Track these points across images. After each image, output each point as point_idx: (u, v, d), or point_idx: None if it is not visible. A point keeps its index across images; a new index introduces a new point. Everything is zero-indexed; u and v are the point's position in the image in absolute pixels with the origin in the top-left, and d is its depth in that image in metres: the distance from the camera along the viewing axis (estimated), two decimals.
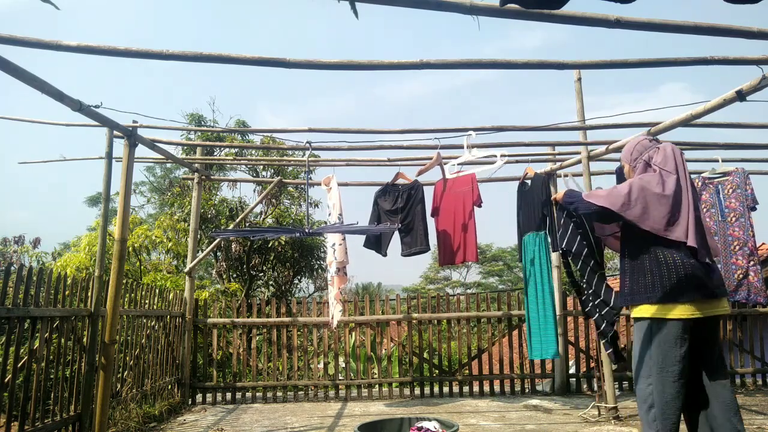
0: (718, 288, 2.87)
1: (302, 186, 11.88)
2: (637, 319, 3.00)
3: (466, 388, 6.58)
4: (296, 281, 13.36)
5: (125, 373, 4.94)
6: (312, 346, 6.99)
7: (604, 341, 4.24)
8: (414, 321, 6.68)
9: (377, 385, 6.62)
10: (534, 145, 5.59)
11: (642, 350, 2.96)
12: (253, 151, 12.18)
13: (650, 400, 2.86)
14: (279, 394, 6.47)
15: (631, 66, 3.06)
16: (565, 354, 6.34)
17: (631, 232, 3.02)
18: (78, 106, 3.56)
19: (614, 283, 13.52)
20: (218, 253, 12.11)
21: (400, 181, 5.98)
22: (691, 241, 2.83)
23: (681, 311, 2.81)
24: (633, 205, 2.90)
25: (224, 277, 12.23)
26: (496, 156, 5.33)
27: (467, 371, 6.77)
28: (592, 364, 6.44)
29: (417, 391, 6.55)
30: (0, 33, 2.80)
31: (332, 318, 5.71)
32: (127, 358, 5.00)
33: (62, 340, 4.06)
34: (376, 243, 5.80)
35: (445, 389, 6.59)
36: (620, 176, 5.33)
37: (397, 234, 5.78)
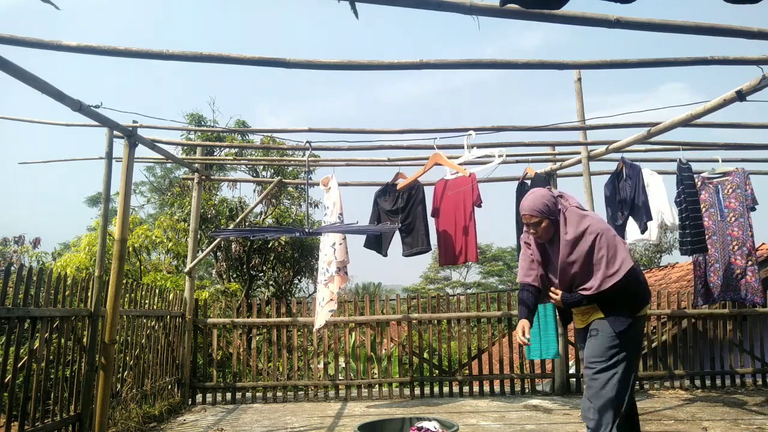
0: None
1: (302, 186, 11.88)
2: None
3: (466, 388, 6.58)
4: (296, 281, 13.36)
5: (125, 373, 4.94)
6: (312, 346, 6.99)
7: None
8: (414, 321, 6.67)
9: (377, 385, 6.62)
10: (534, 145, 5.59)
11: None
12: (253, 151, 12.18)
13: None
14: (279, 394, 6.47)
15: (631, 66, 3.07)
16: (565, 354, 6.34)
17: None
18: (78, 106, 3.56)
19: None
20: (218, 253, 12.11)
21: (401, 180, 5.98)
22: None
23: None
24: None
25: (224, 277, 12.23)
26: (494, 156, 5.34)
27: (467, 371, 6.76)
28: None
29: (417, 391, 6.55)
30: (0, 33, 2.80)
31: (317, 318, 5.56)
32: (127, 358, 5.00)
33: (62, 340, 4.06)
34: (377, 243, 5.80)
35: (445, 389, 6.59)
36: (613, 181, 5.36)
37: (397, 234, 5.77)
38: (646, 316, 3.16)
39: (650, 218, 5.17)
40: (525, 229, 3.13)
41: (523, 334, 3.04)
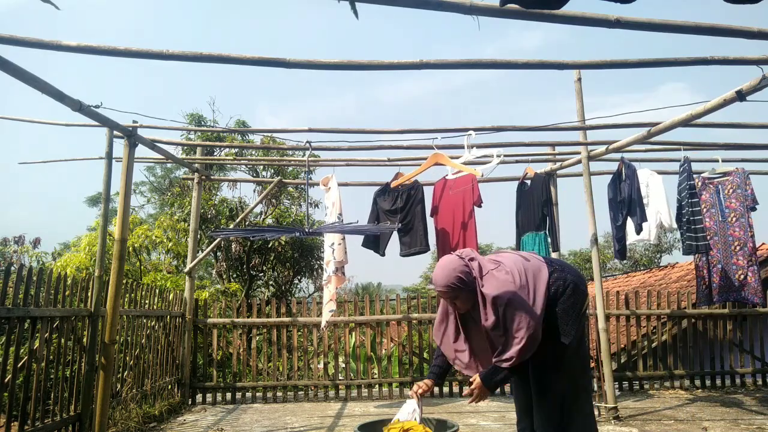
0: None
1: (302, 186, 11.88)
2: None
3: (466, 388, 6.57)
4: (296, 281, 13.37)
5: (125, 373, 4.94)
6: (312, 346, 6.99)
7: None
8: (414, 321, 6.67)
9: (377, 385, 6.62)
10: (534, 145, 5.58)
11: None
12: (253, 151, 12.19)
13: None
14: (279, 394, 6.47)
15: (631, 66, 3.06)
16: None
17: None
18: (78, 106, 3.56)
19: (614, 282, 13.41)
20: (218, 253, 12.11)
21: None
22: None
23: None
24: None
25: (224, 277, 12.24)
26: (493, 156, 5.33)
27: None
28: (593, 364, 6.44)
29: None
30: (0, 33, 2.80)
31: (322, 318, 5.66)
32: (127, 358, 5.00)
33: (62, 340, 4.06)
34: (375, 242, 5.79)
35: (445, 389, 6.59)
36: (615, 182, 5.33)
37: (396, 234, 5.77)
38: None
39: (644, 219, 5.16)
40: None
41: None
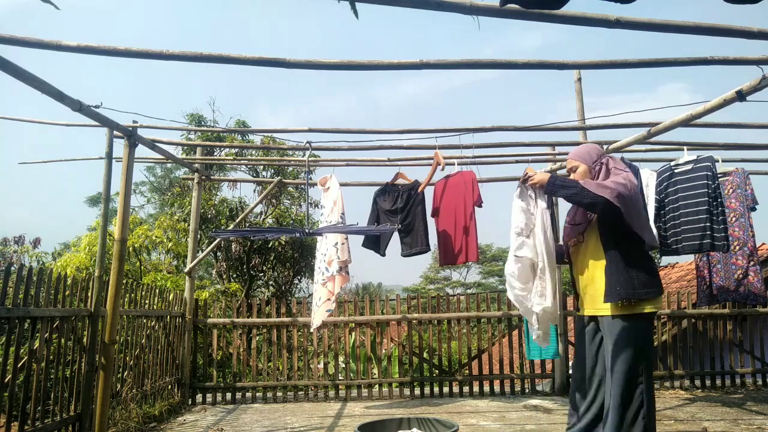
0: None
1: (302, 186, 11.88)
2: (633, 316, 3.09)
3: (466, 388, 6.58)
4: (296, 281, 13.35)
5: (125, 373, 4.94)
6: (312, 346, 6.99)
7: None
8: (414, 321, 6.67)
9: (377, 385, 6.62)
10: (534, 145, 5.57)
11: (643, 347, 3.11)
12: (253, 151, 12.19)
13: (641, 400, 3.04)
14: (279, 394, 6.47)
15: (631, 66, 3.06)
16: (565, 354, 6.34)
17: (612, 229, 3.17)
18: (78, 106, 3.56)
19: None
20: (218, 253, 12.11)
21: (400, 181, 5.97)
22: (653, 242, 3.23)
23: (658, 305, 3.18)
24: (634, 205, 3.07)
25: (224, 277, 12.23)
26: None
27: (467, 371, 6.76)
28: None
29: (417, 391, 6.55)
30: (0, 33, 2.80)
31: (313, 317, 5.52)
32: (127, 358, 5.00)
33: (62, 340, 4.06)
34: (375, 243, 5.79)
35: (445, 389, 6.59)
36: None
37: (396, 234, 5.76)
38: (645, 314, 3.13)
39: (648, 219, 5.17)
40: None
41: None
